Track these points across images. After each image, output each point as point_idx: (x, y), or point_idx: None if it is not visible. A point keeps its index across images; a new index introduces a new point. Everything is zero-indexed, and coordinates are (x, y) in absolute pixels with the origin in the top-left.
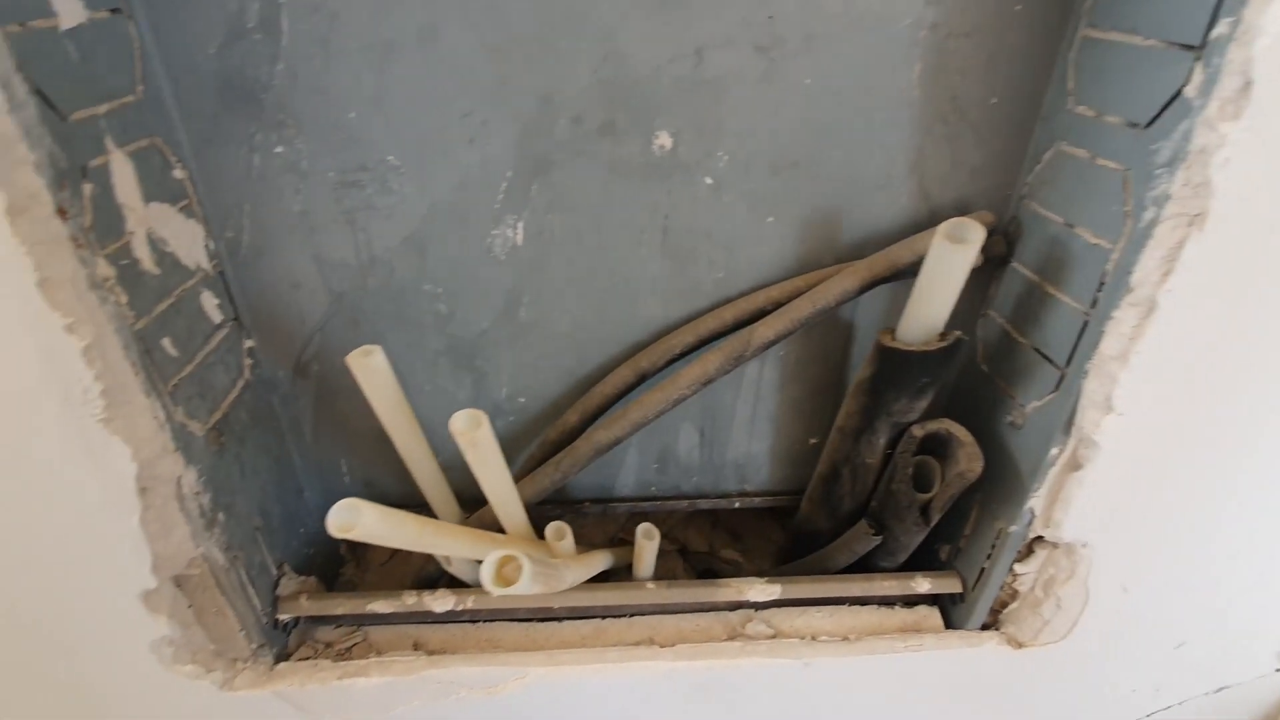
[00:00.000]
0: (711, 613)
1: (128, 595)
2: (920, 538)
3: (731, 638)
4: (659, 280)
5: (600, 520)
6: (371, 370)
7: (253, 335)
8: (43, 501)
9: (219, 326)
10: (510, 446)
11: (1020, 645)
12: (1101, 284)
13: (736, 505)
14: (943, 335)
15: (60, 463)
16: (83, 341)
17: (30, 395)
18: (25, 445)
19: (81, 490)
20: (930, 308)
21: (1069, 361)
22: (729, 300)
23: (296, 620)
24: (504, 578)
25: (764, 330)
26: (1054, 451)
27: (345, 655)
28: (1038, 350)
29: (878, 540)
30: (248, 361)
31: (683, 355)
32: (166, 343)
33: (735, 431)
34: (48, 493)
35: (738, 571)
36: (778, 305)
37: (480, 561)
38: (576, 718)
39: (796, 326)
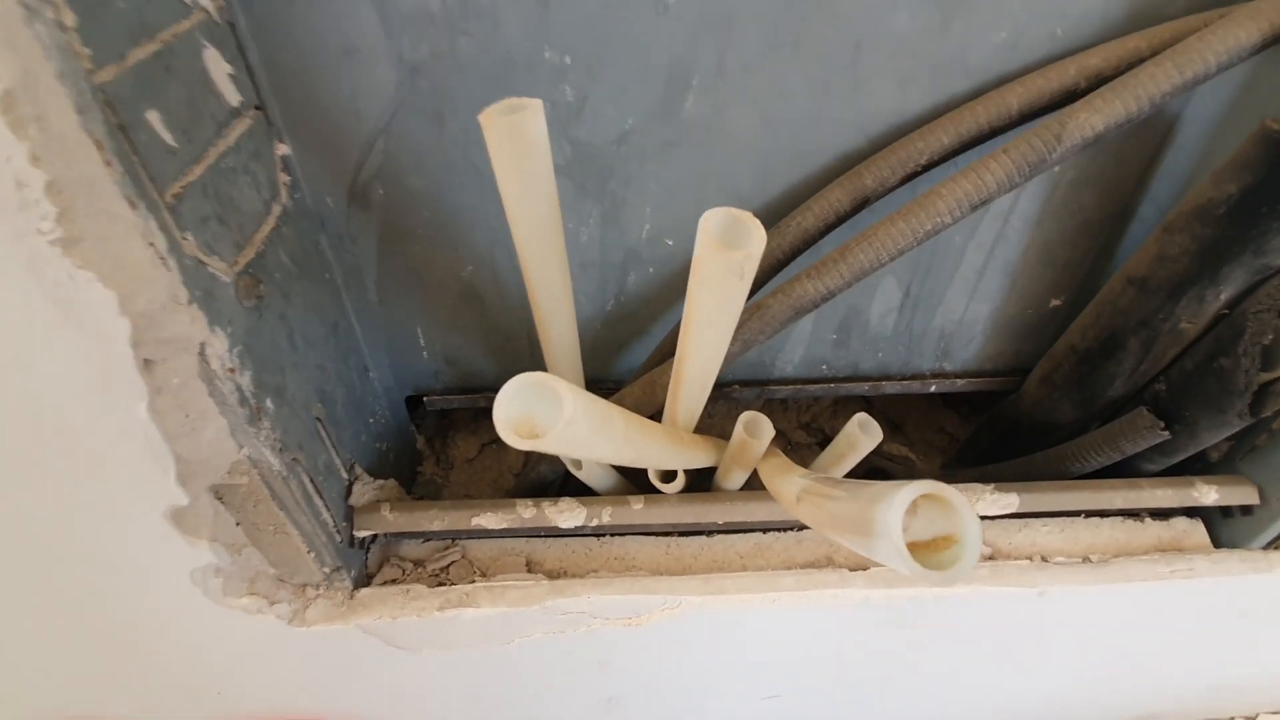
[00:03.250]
0: None
1: (150, 515)
2: (1228, 434)
3: None
4: (906, 43)
5: (746, 409)
6: (521, 140)
7: (286, 138)
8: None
9: (237, 113)
10: (647, 310)
11: None
12: None
13: (933, 389)
14: None
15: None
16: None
17: None
18: None
19: (52, 363)
20: None
21: None
22: (1011, 78)
23: (375, 535)
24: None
25: (1088, 115)
26: None
27: (441, 576)
28: None
29: (1165, 436)
30: (284, 178)
31: (927, 168)
32: (154, 118)
33: (953, 288)
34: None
35: (909, 471)
36: (1098, 83)
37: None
38: (740, 653)
39: (1143, 110)
